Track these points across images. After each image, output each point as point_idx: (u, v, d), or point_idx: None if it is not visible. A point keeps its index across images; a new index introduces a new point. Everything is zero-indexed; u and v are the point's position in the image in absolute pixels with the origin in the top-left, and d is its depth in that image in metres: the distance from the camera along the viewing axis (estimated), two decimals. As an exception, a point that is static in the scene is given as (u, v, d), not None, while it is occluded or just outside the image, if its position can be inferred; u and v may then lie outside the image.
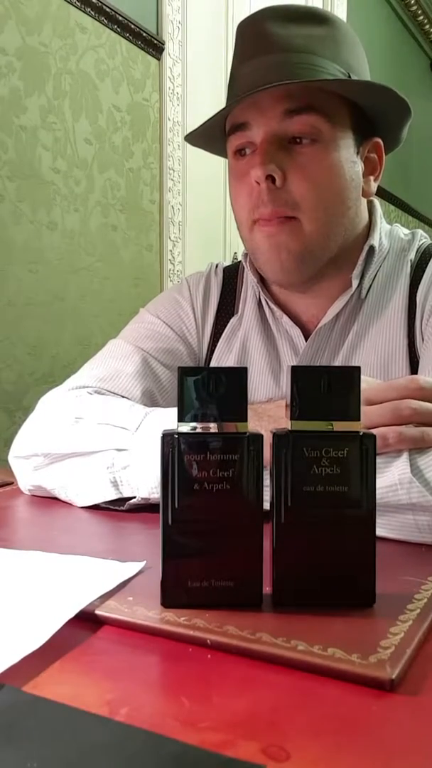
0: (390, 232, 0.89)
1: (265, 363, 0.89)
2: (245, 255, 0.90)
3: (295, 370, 0.43)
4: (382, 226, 0.87)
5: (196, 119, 2.27)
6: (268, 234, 0.78)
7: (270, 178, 0.75)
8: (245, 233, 0.82)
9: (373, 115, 0.82)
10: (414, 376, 0.58)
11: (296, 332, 0.87)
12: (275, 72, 0.75)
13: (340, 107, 0.78)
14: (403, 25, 4.02)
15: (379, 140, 0.85)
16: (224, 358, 0.92)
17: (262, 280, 0.89)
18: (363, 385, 0.45)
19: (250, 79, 0.77)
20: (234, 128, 0.80)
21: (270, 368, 0.89)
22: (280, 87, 0.73)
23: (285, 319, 0.87)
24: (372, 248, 0.84)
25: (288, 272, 0.81)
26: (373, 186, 0.86)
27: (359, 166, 0.82)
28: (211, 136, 0.86)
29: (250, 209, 0.79)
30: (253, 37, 0.79)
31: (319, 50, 0.76)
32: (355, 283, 0.83)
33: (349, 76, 0.78)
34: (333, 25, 0.79)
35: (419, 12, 4.05)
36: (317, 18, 0.79)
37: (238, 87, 0.79)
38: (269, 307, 0.89)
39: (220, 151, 0.90)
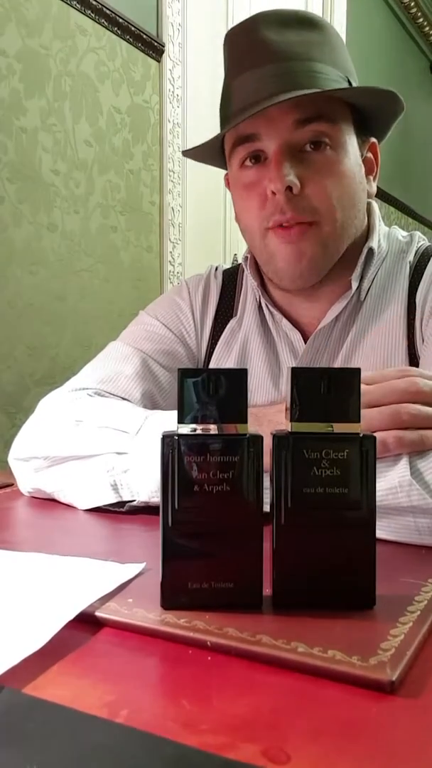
0: (388, 234, 0.89)
1: (264, 366, 0.89)
2: (245, 258, 0.90)
3: (295, 372, 0.43)
4: (380, 228, 0.87)
5: (196, 121, 2.28)
6: (287, 241, 0.79)
7: (288, 188, 0.76)
8: (257, 242, 0.82)
9: (369, 116, 0.83)
10: (413, 378, 0.58)
11: (296, 336, 0.87)
12: (281, 82, 0.75)
13: (344, 112, 0.79)
14: (403, 27, 4.02)
15: (375, 140, 0.86)
16: (223, 360, 0.92)
17: (263, 284, 0.89)
18: (362, 386, 0.45)
19: (253, 90, 0.76)
20: (241, 140, 0.79)
21: (269, 371, 0.88)
22: (290, 98, 0.73)
23: (284, 322, 0.87)
24: (371, 250, 0.84)
25: (305, 278, 0.81)
26: (374, 186, 0.87)
27: (363, 168, 0.83)
28: (208, 148, 0.86)
29: (263, 218, 0.79)
30: (249, 45, 0.78)
31: (318, 56, 0.77)
32: (354, 285, 0.83)
33: (348, 80, 0.79)
34: (324, 29, 0.80)
35: (419, 14, 4.06)
36: (309, 23, 0.79)
37: (240, 99, 0.78)
38: (269, 310, 0.89)
39: (215, 162, 0.90)
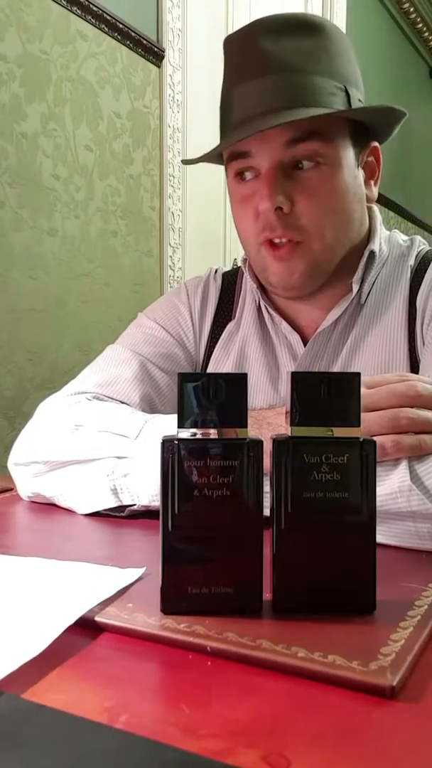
0: (389, 238, 0.90)
1: (263, 369, 0.89)
2: (244, 260, 0.90)
3: (295, 376, 0.43)
4: (381, 232, 0.88)
5: (196, 126, 2.28)
6: (278, 258, 0.80)
7: (278, 208, 0.76)
8: (252, 253, 0.83)
9: (368, 124, 0.82)
10: (412, 382, 0.58)
11: (295, 338, 0.87)
12: (275, 98, 0.75)
13: (339, 126, 0.79)
14: (402, 33, 4.04)
15: (377, 144, 0.86)
16: (221, 363, 0.92)
17: (262, 287, 0.90)
18: (362, 389, 0.45)
19: (248, 105, 0.76)
20: (235, 156, 0.80)
21: (268, 374, 0.89)
22: (279, 123, 0.72)
23: (284, 324, 0.88)
24: (372, 253, 0.84)
25: (297, 290, 0.83)
26: (375, 191, 0.86)
27: (360, 177, 0.83)
28: (208, 155, 0.87)
29: (257, 231, 0.80)
30: (245, 55, 0.78)
31: (314, 66, 0.76)
32: (355, 287, 0.83)
33: (346, 89, 0.77)
34: (324, 33, 0.78)
35: (418, 20, 4.07)
36: (309, 27, 0.78)
37: (235, 112, 0.78)
38: (268, 312, 0.89)
39: (217, 161, 0.90)
